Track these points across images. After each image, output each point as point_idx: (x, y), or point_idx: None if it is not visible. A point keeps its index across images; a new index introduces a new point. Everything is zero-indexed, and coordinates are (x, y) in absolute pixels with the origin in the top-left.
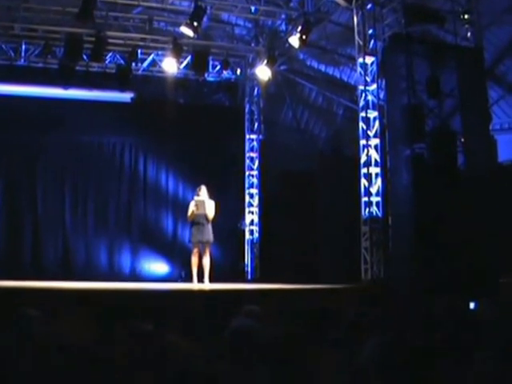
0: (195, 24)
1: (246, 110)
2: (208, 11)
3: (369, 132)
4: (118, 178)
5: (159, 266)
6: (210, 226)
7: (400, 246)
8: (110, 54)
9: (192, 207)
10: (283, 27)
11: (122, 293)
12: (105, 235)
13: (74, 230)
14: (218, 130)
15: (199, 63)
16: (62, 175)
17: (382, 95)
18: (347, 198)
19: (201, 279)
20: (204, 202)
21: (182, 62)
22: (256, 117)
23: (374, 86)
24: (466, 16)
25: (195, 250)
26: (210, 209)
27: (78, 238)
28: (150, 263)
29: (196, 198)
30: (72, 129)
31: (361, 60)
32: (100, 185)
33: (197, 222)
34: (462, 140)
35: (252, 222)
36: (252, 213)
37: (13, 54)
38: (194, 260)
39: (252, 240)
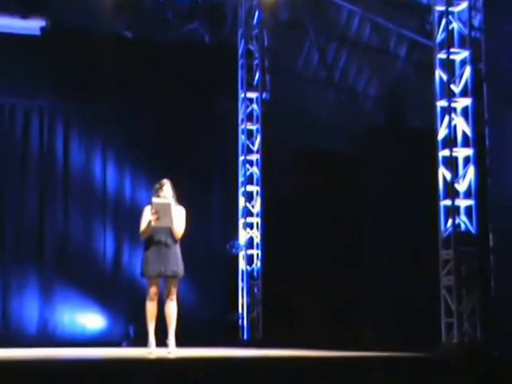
0: None
1: (240, 49)
2: None
3: (453, 87)
4: (19, 164)
5: (89, 319)
6: (178, 249)
7: (510, 284)
8: None
9: (148, 216)
10: None
11: (19, 367)
12: None
13: None
14: (191, 85)
15: None
16: None
17: (476, 21)
18: (414, 201)
19: (162, 340)
20: (169, 208)
21: None
22: (256, 62)
23: (462, 6)
24: None
25: (152, 290)
26: (178, 219)
27: None
28: (73, 313)
29: (155, 200)
30: None
31: None
32: None
33: (156, 240)
34: None
35: (250, 242)
36: (250, 226)
37: None
38: (151, 307)
39: (250, 273)
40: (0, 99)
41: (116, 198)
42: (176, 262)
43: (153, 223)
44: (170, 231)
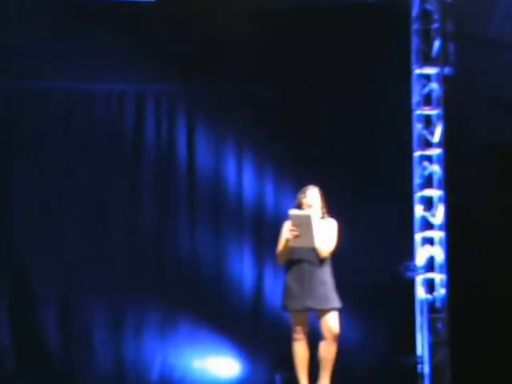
0: None
1: (415, 10)
2: None
3: None
4: (129, 167)
5: (224, 364)
6: (327, 271)
7: None
8: None
9: (286, 233)
10: None
11: None
12: (104, 288)
13: (42, 268)
14: (347, 59)
15: None
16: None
17: None
18: None
19: None
20: (309, 222)
21: None
22: (436, 26)
23: None
24: None
25: (298, 328)
26: (325, 237)
27: (47, 292)
28: (203, 357)
29: (292, 211)
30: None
31: None
32: (94, 173)
33: (296, 259)
34: None
35: (431, 263)
36: (430, 242)
37: None
38: (299, 349)
39: (431, 303)
40: (103, 86)
41: (255, 207)
42: (326, 291)
43: (291, 242)
44: (314, 252)
